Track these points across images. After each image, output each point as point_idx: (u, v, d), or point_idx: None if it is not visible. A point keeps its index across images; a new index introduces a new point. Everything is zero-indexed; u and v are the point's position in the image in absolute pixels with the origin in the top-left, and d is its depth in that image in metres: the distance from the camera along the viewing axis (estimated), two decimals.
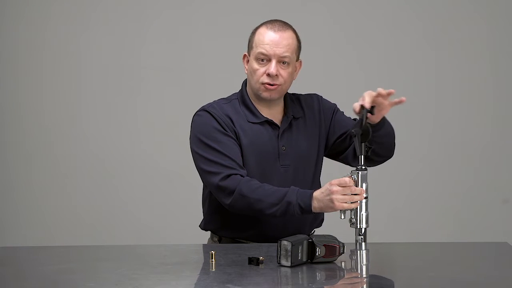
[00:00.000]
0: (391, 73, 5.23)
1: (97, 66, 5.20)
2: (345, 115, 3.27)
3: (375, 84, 5.24)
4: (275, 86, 3.10)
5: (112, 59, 5.20)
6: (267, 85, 3.10)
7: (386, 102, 3.03)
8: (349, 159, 3.20)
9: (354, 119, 3.23)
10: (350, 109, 3.28)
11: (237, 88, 3.22)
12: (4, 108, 5.23)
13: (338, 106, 3.30)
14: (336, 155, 3.27)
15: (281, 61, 3.09)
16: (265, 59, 3.09)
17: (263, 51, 3.08)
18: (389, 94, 3.03)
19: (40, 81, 5.22)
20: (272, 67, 3.08)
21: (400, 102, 3.04)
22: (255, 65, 3.10)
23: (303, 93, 3.29)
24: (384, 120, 3.10)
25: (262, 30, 3.11)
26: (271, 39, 3.08)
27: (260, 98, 3.14)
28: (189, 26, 5.20)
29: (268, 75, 3.08)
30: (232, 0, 5.21)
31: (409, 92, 5.22)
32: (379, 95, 3.00)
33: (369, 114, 3.01)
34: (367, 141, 2.99)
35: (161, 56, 5.20)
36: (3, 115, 5.23)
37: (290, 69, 3.12)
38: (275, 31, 3.09)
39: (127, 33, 5.20)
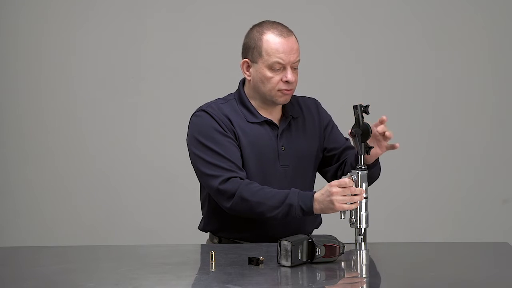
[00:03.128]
0: (391, 73, 5.23)
1: (96, 67, 5.20)
2: (339, 131, 3.27)
3: (375, 84, 5.27)
4: (290, 91, 3.10)
5: (111, 60, 5.19)
6: (284, 91, 3.09)
7: (384, 142, 3.02)
8: (328, 175, 3.23)
9: (346, 139, 3.24)
10: (350, 109, 3.28)
11: (233, 88, 3.21)
12: (3, 108, 5.23)
13: (338, 106, 3.30)
14: (319, 166, 3.27)
15: (293, 66, 3.09)
16: (280, 67, 3.08)
17: (280, 60, 3.06)
18: (381, 122, 3.00)
19: (39, 81, 5.22)
20: (290, 74, 3.07)
21: (393, 147, 3.03)
22: (269, 73, 3.08)
23: (302, 94, 3.29)
24: (376, 163, 3.10)
25: (270, 37, 3.07)
26: (284, 47, 3.06)
27: (266, 102, 3.13)
28: (188, 26, 5.20)
29: (287, 82, 3.08)
30: (231, 1, 5.21)
31: (409, 92, 5.26)
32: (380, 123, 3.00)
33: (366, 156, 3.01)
34: (367, 141, 3.00)
35: (158, 57, 5.20)
36: (2, 115, 5.23)
37: (297, 72, 3.12)
38: (284, 37, 3.07)
39: (127, 33, 5.20)
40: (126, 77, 5.21)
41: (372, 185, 2.98)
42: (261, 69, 3.09)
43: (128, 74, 5.21)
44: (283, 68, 3.07)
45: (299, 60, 3.10)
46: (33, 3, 5.19)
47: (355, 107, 3.00)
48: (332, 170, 3.22)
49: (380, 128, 2.99)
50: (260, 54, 3.08)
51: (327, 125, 3.25)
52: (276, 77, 3.08)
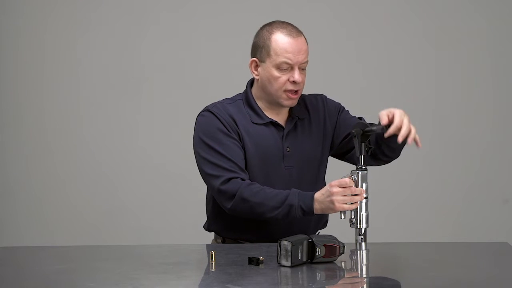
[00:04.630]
0: (391, 72, 5.23)
1: (97, 68, 5.20)
2: (350, 114, 3.26)
3: (375, 83, 5.27)
4: (297, 95, 3.09)
5: (112, 60, 5.19)
6: (289, 94, 3.08)
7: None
8: (355, 158, 3.20)
9: (359, 118, 3.23)
10: (350, 108, 3.28)
11: (239, 88, 3.21)
12: (4, 109, 5.23)
13: (340, 103, 3.29)
14: (342, 155, 3.27)
15: (301, 67, 3.09)
16: (288, 67, 3.08)
17: (288, 60, 3.05)
18: (410, 142, 3.02)
19: (40, 81, 5.22)
20: (297, 74, 3.06)
21: (417, 144, 3.04)
22: (276, 73, 3.08)
23: (305, 93, 3.28)
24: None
25: (279, 37, 3.07)
26: (293, 47, 3.06)
27: (273, 102, 3.13)
28: (190, 26, 5.20)
29: (294, 82, 3.07)
30: (233, 1, 5.21)
31: (409, 92, 5.26)
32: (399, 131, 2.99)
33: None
34: (367, 141, 3.00)
35: (162, 57, 5.20)
36: (3, 115, 5.23)
37: (305, 73, 3.12)
38: (293, 37, 3.07)
39: (128, 33, 5.20)
40: (127, 77, 5.21)
41: (372, 185, 2.97)
42: (269, 69, 3.09)
43: (129, 74, 5.21)
44: (291, 68, 3.07)
45: (307, 61, 3.10)
46: (35, 4, 5.19)
47: (381, 130, 2.99)
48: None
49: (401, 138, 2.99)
50: (268, 54, 3.08)
51: (338, 113, 3.23)
52: (283, 77, 3.08)
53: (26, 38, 5.20)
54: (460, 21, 5.24)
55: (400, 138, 2.98)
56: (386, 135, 3.00)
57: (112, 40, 5.20)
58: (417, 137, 3.04)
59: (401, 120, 3.00)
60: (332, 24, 5.23)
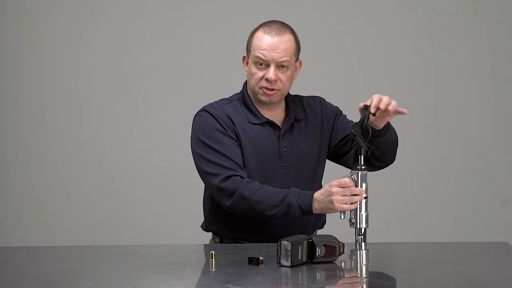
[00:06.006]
0: (390, 73, 5.23)
1: (97, 67, 5.20)
2: (348, 119, 3.26)
3: (375, 84, 5.26)
4: (274, 91, 3.10)
5: (112, 60, 5.19)
6: (265, 90, 3.09)
7: (392, 110, 3.02)
8: (350, 162, 3.20)
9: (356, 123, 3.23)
10: (348, 108, 3.28)
11: (237, 88, 3.22)
12: (4, 108, 5.23)
13: (338, 107, 3.29)
14: (337, 158, 3.27)
15: (280, 65, 3.08)
16: (263, 63, 3.08)
17: (261, 56, 3.07)
18: (399, 113, 3.01)
19: (40, 80, 5.22)
20: (271, 72, 3.07)
21: (402, 112, 3.02)
22: (253, 69, 3.10)
23: (303, 93, 3.29)
24: (389, 126, 3.09)
25: (259, 34, 3.10)
26: (268, 44, 3.07)
27: (258, 99, 3.14)
28: (189, 26, 5.20)
29: (267, 79, 3.08)
30: (232, 0, 5.21)
31: (409, 92, 5.26)
32: (387, 106, 2.98)
33: (373, 118, 3.01)
34: (367, 141, 3.00)
35: (161, 57, 5.20)
36: (3, 115, 5.23)
37: (289, 73, 3.11)
38: (272, 35, 3.08)
39: (127, 33, 5.20)
40: (126, 77, 5.21)
41: (371, 185, 2.97)
42: (249, 65, 3.12)
43: (128, 74, 5.21)
44: (267, 65, 3.08)
45: (286, 61, 3.08)
46: (35, 4, 5.19)
47: (365, 107, 2.98)
48: (352, 156, 3.20)
49: (383, 105, 2.98)
50: (249, 50, 3.12)
51: (336, 116, 3.24)
52: (260, 73, 3.09)
53: (26, 38, 5.20)
54: (460, 21, 5.24)
55: (372, 109, 2.97)
56: (372, 110, 2.98)
57: (112, 40, 5.20)
58: (394, 103, 3.00)
59: (378, 97, 2.99)
60: (331, 24, 5.23)
